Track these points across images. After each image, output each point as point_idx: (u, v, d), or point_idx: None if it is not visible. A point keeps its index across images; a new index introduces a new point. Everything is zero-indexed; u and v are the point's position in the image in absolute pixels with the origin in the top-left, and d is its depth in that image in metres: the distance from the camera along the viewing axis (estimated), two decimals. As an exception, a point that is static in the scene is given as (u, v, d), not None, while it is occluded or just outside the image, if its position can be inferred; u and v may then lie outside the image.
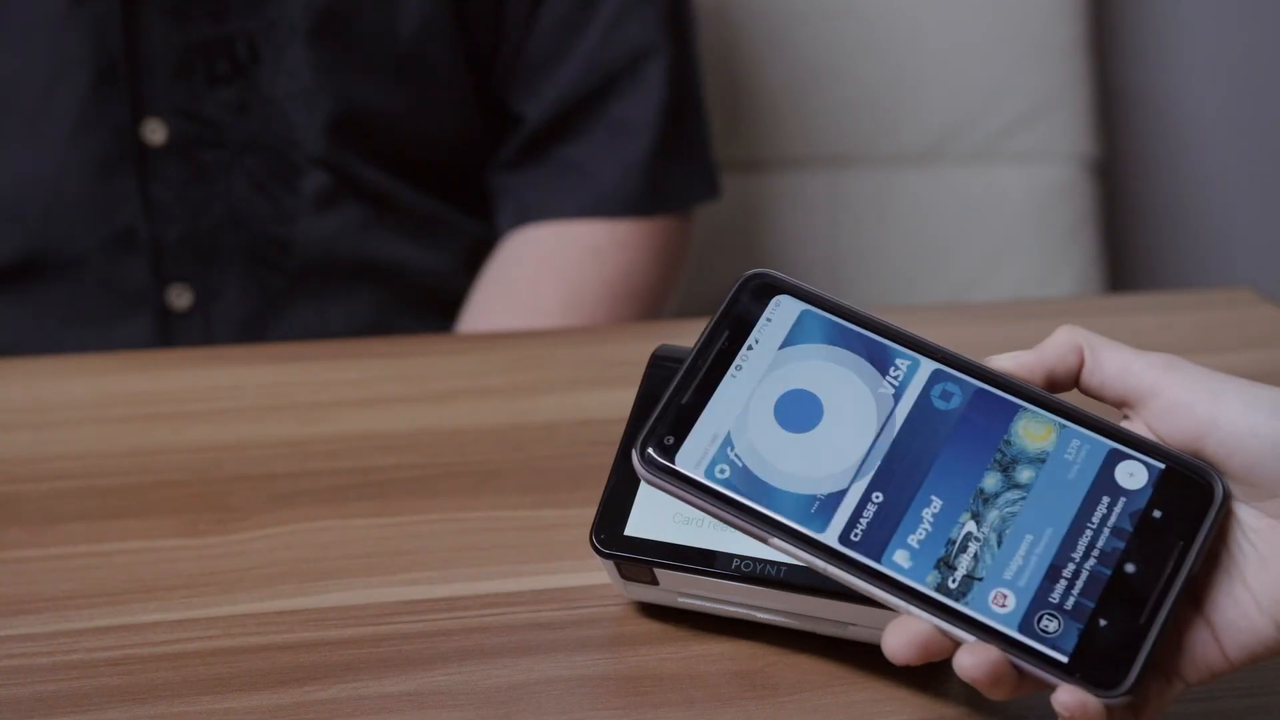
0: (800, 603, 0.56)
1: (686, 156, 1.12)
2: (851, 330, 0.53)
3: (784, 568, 0.56)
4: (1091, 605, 0.49)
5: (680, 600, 0.58)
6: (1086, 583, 0.50)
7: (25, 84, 1.01)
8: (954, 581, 0.50)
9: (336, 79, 1.04)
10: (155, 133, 1.03)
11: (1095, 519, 0.51)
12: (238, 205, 1.04)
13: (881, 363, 0.53)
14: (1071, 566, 0.50)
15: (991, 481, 0.51)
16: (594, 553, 0.58)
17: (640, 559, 0.57)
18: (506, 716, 0.54)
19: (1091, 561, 0.50)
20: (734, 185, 1.38)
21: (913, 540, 0.50)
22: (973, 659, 0.48)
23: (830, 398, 0.52)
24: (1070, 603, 0.49)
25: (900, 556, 0.50)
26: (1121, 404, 0.53)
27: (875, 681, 0.56)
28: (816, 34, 1.40)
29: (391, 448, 0.73)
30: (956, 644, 0.49)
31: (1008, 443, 0.52)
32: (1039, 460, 0.51)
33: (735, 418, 0.52)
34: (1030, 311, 0.94)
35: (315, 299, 1.07)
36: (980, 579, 0.50)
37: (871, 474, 0.51)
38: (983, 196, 1.44)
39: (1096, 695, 0.48)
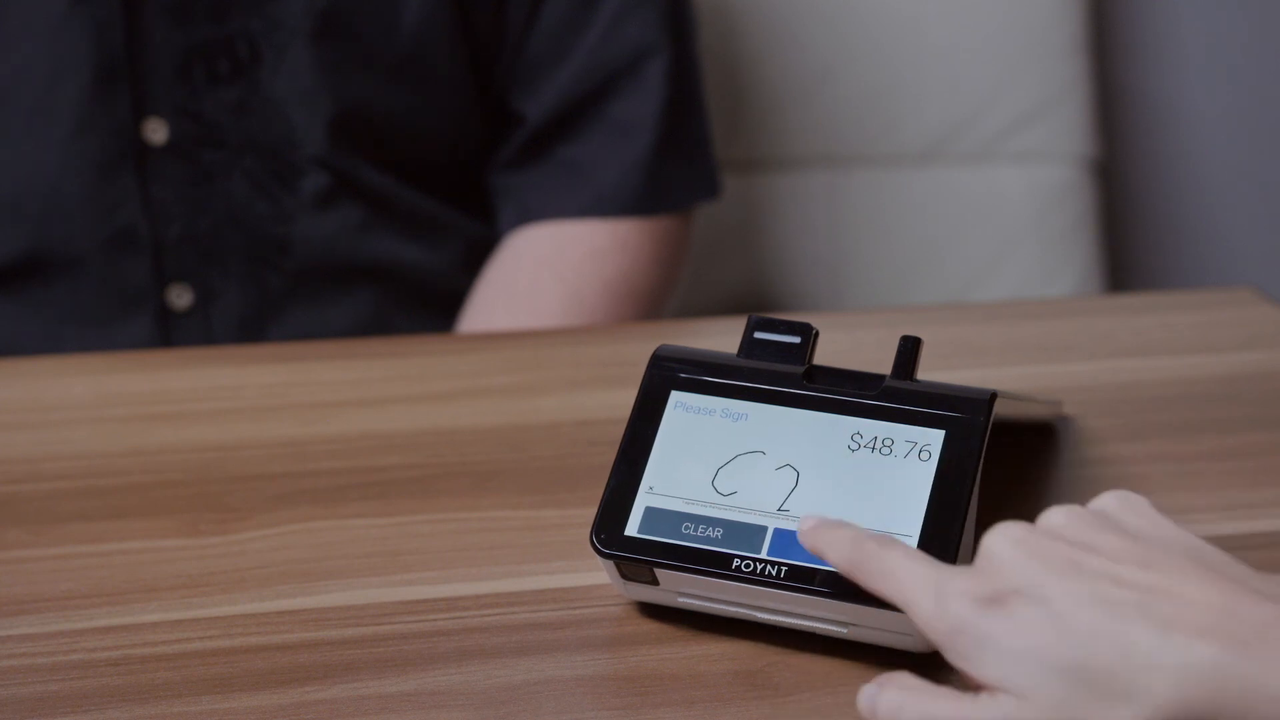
0: (800, 603, 0.56)
1: (687, 156, 1.12)
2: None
3: (784, 568, 0.56)
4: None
5: (680, 600, 0.58)
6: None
7: (26, 84, 1.01)
8: None
9: (337, 79, 1.04)
10: (156, 132, 1.03)
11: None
12: (238, 205, 1.04)
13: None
14: None
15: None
16: (594, 553, 0.58)
17: (641, 559, 0.57)
18: (506, 716, 0.54)
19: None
20: (734, 185, 1.38)
21: None
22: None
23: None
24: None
25: None
26: None
27: (875, 681, 0.56)
28: (816, 34, 1.40)
29: (391, 448, 0.73)
30: None
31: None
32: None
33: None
34: (1030, 311, 0.94)
35: (315, 299, 1.07)
36: None
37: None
38: (983, 196, 1.44)
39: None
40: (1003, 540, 0.50)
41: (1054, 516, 0.52)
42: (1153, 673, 0.46)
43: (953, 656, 0.50)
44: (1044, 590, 0.48)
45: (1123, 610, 0.47)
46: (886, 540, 0.53)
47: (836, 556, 0.53)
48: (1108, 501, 0.53)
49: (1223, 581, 0.48)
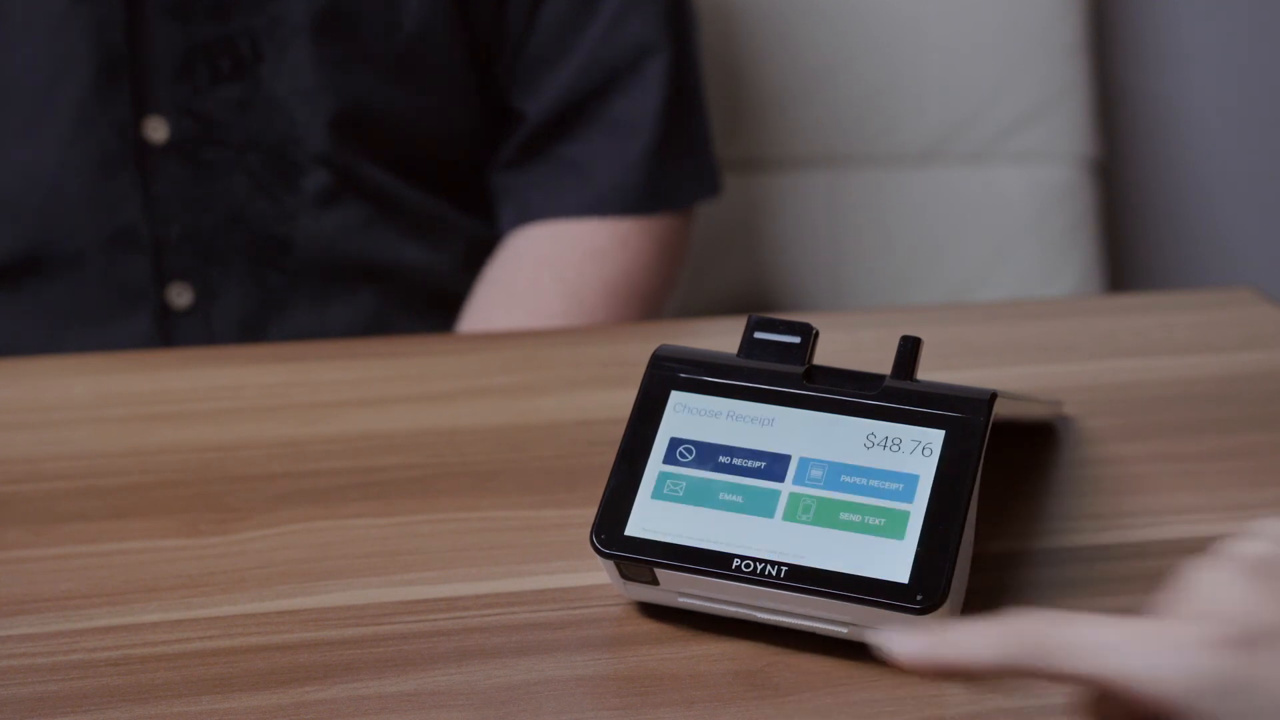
0: (800, 603, 0.56)
1: (687, 154, 1.12)
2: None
3: (784, 568, 0.56)
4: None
5: (680, 600, 0.58)
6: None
7: (26, 82, 1.01)
8: None
9: (339, 76, 1.04)
10: (157, 131, 1.03)
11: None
12: (239, 204, 1.04)
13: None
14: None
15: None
16: (594, 553, 0.58)
17: (641, 559, 0.57)
18: (506, 716, 0.54)
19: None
20: (734, 185, 1.38)
21: None
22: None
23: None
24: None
25: None
26: None
27: (876, 682, 0.56)
28: (816, 34, 1.40)
29: (391, 448, 0.73)
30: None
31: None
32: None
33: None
34: (1030, 311, 0.94)
35: (315, 298, 1.07)
36: None
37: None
38: (983, 196, 1.44)
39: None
40: (1218, 576, 0.44)
41: (1243, 546, 0.46)
42: None
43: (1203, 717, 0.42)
44: None
45: None
46: (1044, 617, 0.44)
47: (989, 656, 0.44)
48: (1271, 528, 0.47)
49: None
